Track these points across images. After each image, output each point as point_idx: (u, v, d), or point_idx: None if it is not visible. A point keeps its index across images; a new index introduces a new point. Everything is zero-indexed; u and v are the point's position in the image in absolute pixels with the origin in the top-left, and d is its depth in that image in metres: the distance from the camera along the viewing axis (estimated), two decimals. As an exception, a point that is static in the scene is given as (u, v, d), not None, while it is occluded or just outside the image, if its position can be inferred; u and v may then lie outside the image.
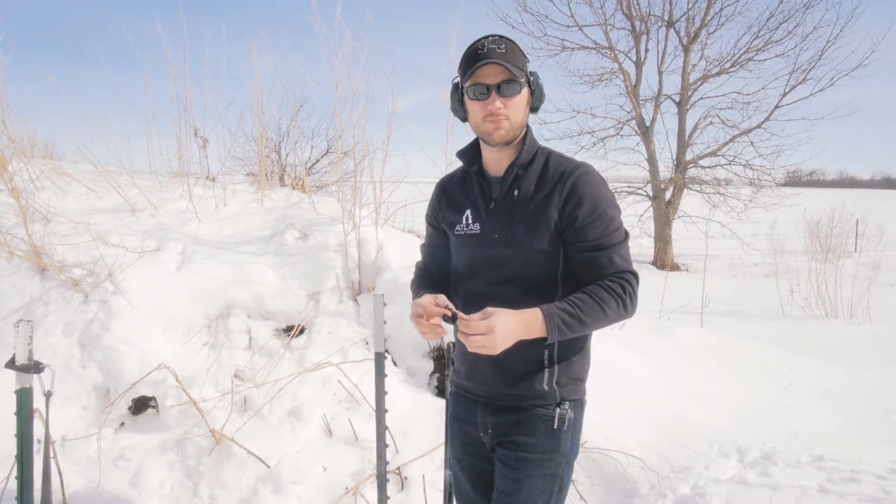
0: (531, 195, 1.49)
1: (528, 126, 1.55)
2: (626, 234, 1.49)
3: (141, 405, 3.00)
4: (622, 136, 15.14)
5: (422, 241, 1.84)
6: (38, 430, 2.15)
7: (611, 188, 1.54)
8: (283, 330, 3.41)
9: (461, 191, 1.62)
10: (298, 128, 6.02)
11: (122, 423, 2.96)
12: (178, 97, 4.15)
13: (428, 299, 1.43)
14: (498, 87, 1.43)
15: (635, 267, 1.49)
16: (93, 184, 4.12)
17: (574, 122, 15.14)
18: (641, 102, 14.75)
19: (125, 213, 3.87)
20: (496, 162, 1.54)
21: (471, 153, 1.60)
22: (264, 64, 4.68)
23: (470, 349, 1.33)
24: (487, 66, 1.41)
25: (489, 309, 1.33)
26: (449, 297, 1.61)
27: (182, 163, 4.32)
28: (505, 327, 1.32)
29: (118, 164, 4.23)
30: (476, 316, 1.33)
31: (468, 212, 1.57)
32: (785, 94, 13.84)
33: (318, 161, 10.12)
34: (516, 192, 1.50)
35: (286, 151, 7.81)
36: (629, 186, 15.50)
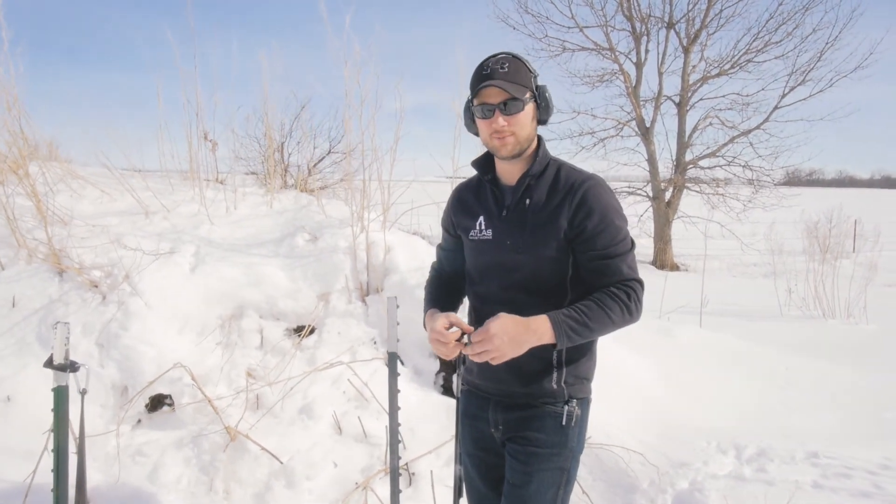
0: (542, 204, 1.55)
1: (540, 138, 1.63)
2: (633, 244, 1.56)
3: (157, 403, 3.09)
4: (622, 136, 15.28)
5: (428, 243, 1.94)
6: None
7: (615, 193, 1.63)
8: (294, 330, 3.50)
9: (475, 198, 1.70)
10: (309, 130, 6.10)
11: (139, 421, 3.05)
12: (189, 101, 4.23)
13: (442, 322, 1.48)
14: (501, 106, 1.50)
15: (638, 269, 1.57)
16: (106, 187, 4.21)
17: (574, 122, 15.18)
18: (641, 103, 14.86)
19: (139, 215, 3.95)
20: (509, 172, 1.62)
21: (485, 163, 1.67)
22: (273, 69, 4.76)
23: (477, 360, 1.41)
24: (490, 87, 1.50)
25: (489, 319, 1.40)
26: (456, 301, 1.71)
27: (193, 166, 4.40)
28: (502, 329, 1.38)
29: (129, 165, 4.31)
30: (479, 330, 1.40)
31: (481, 218, 1.65)
32: (784, 96, 13.97)
33: (320, 160, 10.17)
34: (528, 201, 1.57)
35: (288, 152, 7.86)
36: (629, 187, 15.61)
